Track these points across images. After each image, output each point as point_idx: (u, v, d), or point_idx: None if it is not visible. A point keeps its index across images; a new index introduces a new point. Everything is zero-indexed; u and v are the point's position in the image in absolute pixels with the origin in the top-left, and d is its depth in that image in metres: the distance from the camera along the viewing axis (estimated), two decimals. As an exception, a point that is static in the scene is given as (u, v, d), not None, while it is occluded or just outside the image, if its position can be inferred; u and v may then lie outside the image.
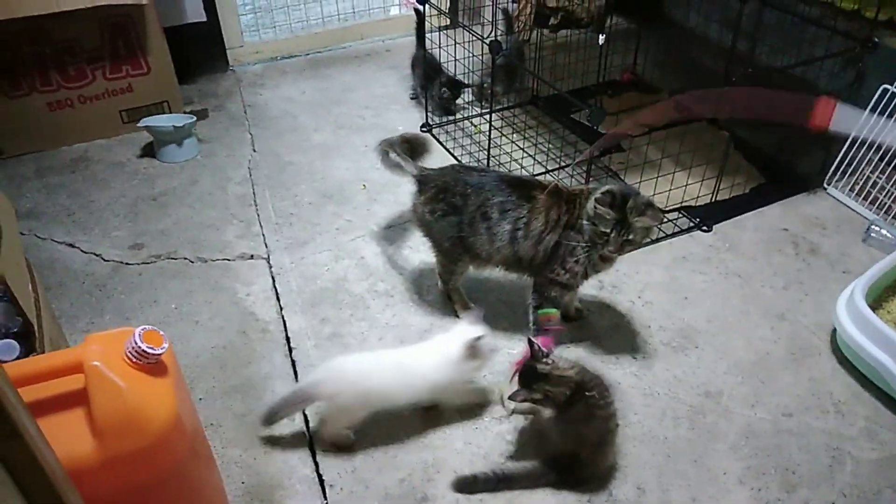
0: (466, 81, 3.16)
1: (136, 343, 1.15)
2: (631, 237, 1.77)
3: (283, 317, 2.15)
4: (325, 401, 1.75)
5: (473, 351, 1.71)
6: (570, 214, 1.86)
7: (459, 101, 3.19)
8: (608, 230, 1.76)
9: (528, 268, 1.96)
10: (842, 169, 2.65)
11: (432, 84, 3.09)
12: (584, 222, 1.81)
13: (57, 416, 1.16)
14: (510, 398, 1.66)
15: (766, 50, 2.80)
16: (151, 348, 1.15)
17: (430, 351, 1.77)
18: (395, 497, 1.67)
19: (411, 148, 2.17)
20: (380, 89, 3.45)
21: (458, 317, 2.10)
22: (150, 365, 1.18)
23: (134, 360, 1.16)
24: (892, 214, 2.49)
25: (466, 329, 1.74)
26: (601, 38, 2.04)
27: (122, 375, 1.14)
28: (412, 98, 3.35)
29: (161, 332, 1.19)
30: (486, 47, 2.53)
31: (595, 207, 1.76)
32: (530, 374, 1.62)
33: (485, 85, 3.18)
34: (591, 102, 2.21)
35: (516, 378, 1.68)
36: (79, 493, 1.01)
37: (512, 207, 1.89)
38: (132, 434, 1.14)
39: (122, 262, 2.37)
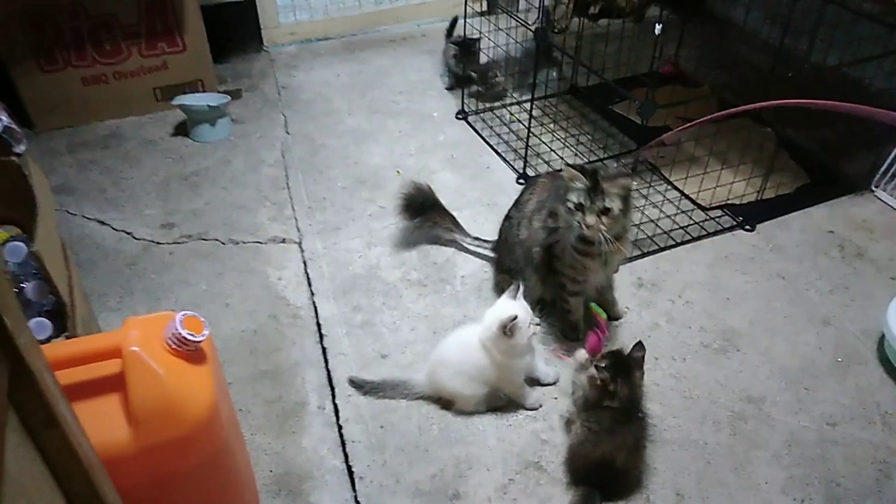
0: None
1: (176, 329, 1.12)
2: (607, 204, 1.69)
3: (314, 303, 2.12)
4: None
5: (511, 328, 1.66)
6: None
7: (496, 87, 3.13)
8: (581, 200, 1.69)
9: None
10: (892, 171, 2.56)
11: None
12: (560, 206, 1.77)
13: (92, 401, 1.13)
14: (595, 364, 1.58)
15: (815, 47, 2.70)
16: (192, 335, 1.12)
17: (472, 333, 1.76)
18: (426, 493, 1.63)
19: None
20: (415, 74, 3.39)
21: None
22: (190, 352, 1.15)
23: (174, 346, 1.13)
24: (945, 220, 2.40)
25: (508, 305, 1.70)
26: (657, 28, 1.97)
27: (161, 362, 1.11)
28: (448, 89, 3.27)
29: (202, 319, 1.16)
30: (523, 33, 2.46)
31: (564, 177, 1.72)
32: (618, 361, 1.57)
33: (493, 75, 3.09)
34: (643, 94, 2.13)
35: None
36: (112, 482, 0.98)
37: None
38: (169, 423, 1.11)
39: (153, 241, 2.35)
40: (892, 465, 1.71)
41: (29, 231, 1.63)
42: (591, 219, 1.69)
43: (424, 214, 2.28)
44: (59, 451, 0.89)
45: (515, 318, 1.65)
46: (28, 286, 1.57)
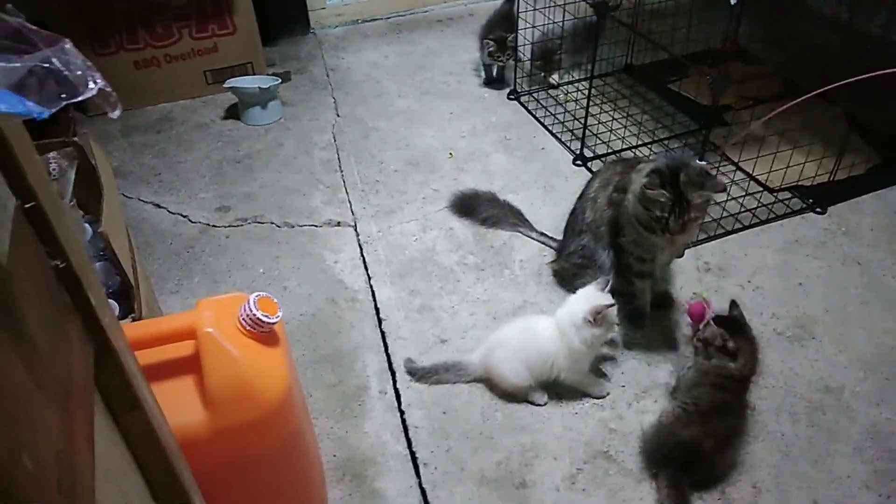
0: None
1: (250, 310, 1.09)
2: (692, 215, 1.62)
3: (371, 286, 2.09)
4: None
5: (600, 317, 1.62)
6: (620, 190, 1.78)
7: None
8: (666, 213, 1.61)
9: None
10: (971, 151, 2.43)
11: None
12: (630, 206, 1.71)
13: (166, 383, 1.11)
14: (709, 323, 1.56)
15: (883, 21, 2.57)
16: (266, 316, 1.09)
17: (539, 322, 1.72)
18: (492, 481, 1.59)
19: None
20: (464, 55, 3.32)
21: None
22: (263, 334, 1.12)
23: (248, 328, 1.10)
24: None
25: (595, 295, 1.66)
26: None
27: (235, 344, 1.08)
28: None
29: (275, 300, 1.13)
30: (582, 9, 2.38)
31: (645, 192, 1.62)
32: (727, 321, 1.54)
33: (558, 55, 2.99)
34: (705, 72, 2.04)
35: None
36: (189, 465, 0.96)
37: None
38: (245, 405, 1.08)
39: (209, 225, 2.34)
40: (984, 459, 1.62)
41: (94, 212, 1.62)
42: (674, 229, 1.64)
43: (488, 211, 2.28)
44: (141, 434, 0.87)
45: (610, 306, 1.62)
46: (95, 267, 1.56)
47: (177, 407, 1.07)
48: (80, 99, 0.61)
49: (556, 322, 1.69)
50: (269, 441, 1.14)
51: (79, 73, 0.59)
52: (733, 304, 1.56)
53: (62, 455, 0.60)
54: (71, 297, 0.72)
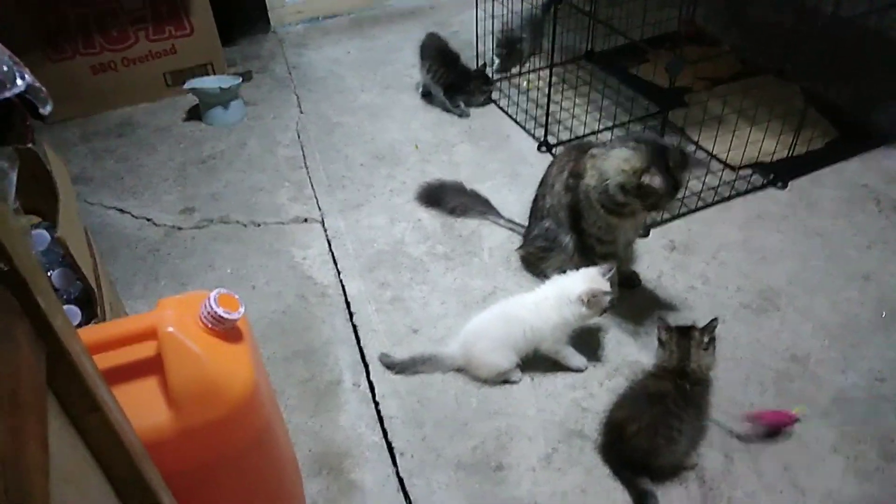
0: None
1: (211, 307, 1.08)
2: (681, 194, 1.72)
3: (341, 281, 2.09)
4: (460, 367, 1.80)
5: (594, 300, 1.67)
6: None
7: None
8: (664, 196, 1.68)
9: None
10: (925, 120, 2.48)
11: (449, 75, 2.81)
12: (594, 192, 1.75)
13: (129, 384, 1.10)
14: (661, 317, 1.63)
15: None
16: (228, 313, 1.08)
17: (546, 292, 1.76)
18: (469, 466, 1.60)
19: None
20: (426, 47, 3.32)
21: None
22: (226, 331, 1.11)
23: (210, 325, 1.09)
24: (983, 167, 2.32)
25: (596, 278, 1.70)
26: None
27: (198, 342, 1.07)
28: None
29: (236, 296, 1.12)
30: None
31: (645, 185, 1.65)
32: (684, 328, 1.57)
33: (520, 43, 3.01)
34: (664, 56, 2.06)
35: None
36: (157, 466, 0.95)
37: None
38: (210, 404, 1.07)
39: (174, 227, 2.32)
40: (946, 418, 1.66)
41: (51, 219, 1.60)
42: (669, 208, 1.76)
43: (455, 200, 2.29)
44: (102, 436, 0.86)
45: (606, 294, 1.68)
46: (54, 273, 1.54)
47: (141, 408, 1.06)
48: (7, 95, 0.60)
49: (546, 293, 1.73)
50: (237, 438, 1.13)
51: (5, 68, 0.58)
52: (714, 320, 1.57)
53: (6, 461, 0.59)
54: (19, 301, 0.71)
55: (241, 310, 1.12)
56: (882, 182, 2.38)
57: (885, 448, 1.60)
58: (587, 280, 1.70)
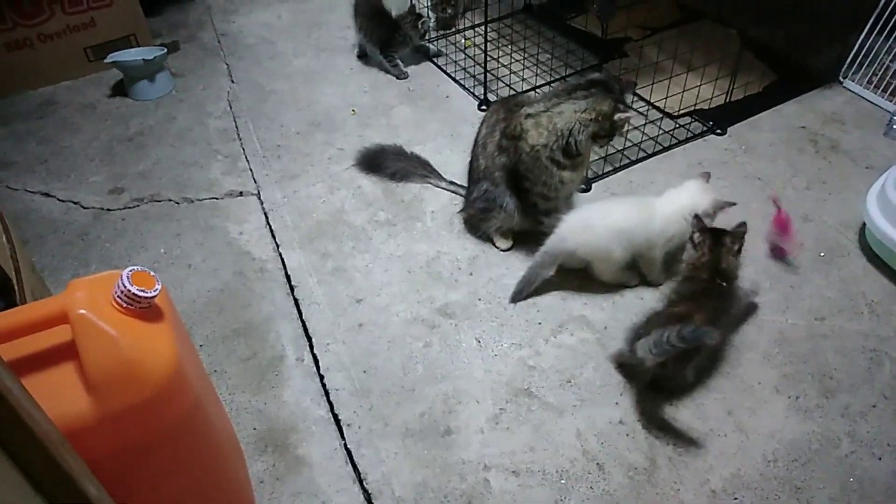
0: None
1: (124, 286, 1.02)
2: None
3: (280, 254, 2.03)
4: (573, 254, 1.78)
5: (713, 215, 1.73)
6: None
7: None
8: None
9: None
10: (858, 60, 2.50)
11: (382, 32, 2.72)
12: (542, 150, 1.76)
13: (44, 373, 1.03)
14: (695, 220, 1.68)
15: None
16: (143, 291, 1.03)
17: (672, 199, 1.80)
18: (417, 432, 1.58)
19: None
20: (360, 8, 3.22)
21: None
22: (144, 310, 1.05)
23: (124, 305, 1.03)
24: (915, 104, 2.36)
25: (709, 189, 1.79)
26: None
27: (113, 323, 1.01)
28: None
29: (152, 273, 1.06)
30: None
31: (620, 122, 1.72)
32: (717, 231, 1.65)
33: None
34: None
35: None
36: (79, 455, 0.90)
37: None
38: (130, 386, 1.02)
39: (102, 209, 2.22)
40: (883, 352, 1.69)
41: (-42, 205, 1.51)
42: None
43: (396, 165, 2.24)
44: (8, 426, 0.81)
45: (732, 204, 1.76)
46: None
47: (57, 395, 1.00)
48: None
49: (682, 200, 1.77)
50: (163, 419, 1.08)
51: None
52: (742, 224, 1.64)
53: None
54: None
55: (158, 287, 1.06)
56: (819, 123, 2.40)
57: (825, 385, 1.62)
58: (704, 192, 1.77)
